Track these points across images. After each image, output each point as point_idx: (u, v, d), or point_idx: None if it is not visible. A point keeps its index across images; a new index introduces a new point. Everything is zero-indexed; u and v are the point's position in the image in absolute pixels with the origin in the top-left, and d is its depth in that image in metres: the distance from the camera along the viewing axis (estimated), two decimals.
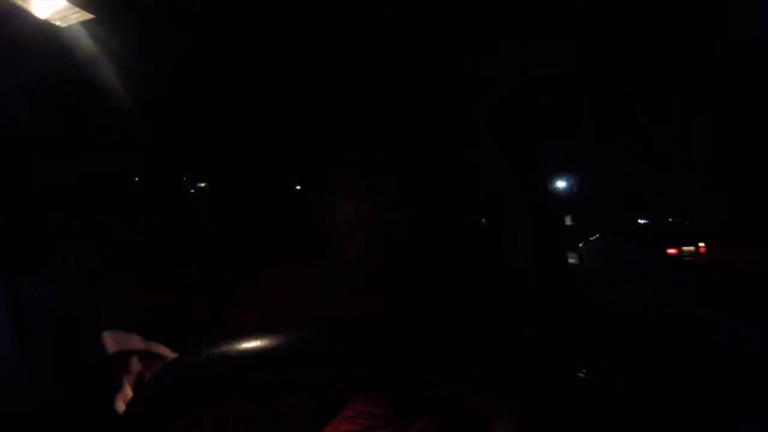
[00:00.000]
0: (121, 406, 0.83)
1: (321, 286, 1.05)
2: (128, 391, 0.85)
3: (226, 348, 0.45)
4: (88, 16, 1.02)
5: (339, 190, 1.05)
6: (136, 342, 0.89)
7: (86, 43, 1.08)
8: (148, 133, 1.52)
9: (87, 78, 1.15)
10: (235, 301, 1.07)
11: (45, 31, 1.03)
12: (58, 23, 1.03)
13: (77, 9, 0.99)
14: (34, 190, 1.55)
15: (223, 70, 1.32)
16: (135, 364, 0.87)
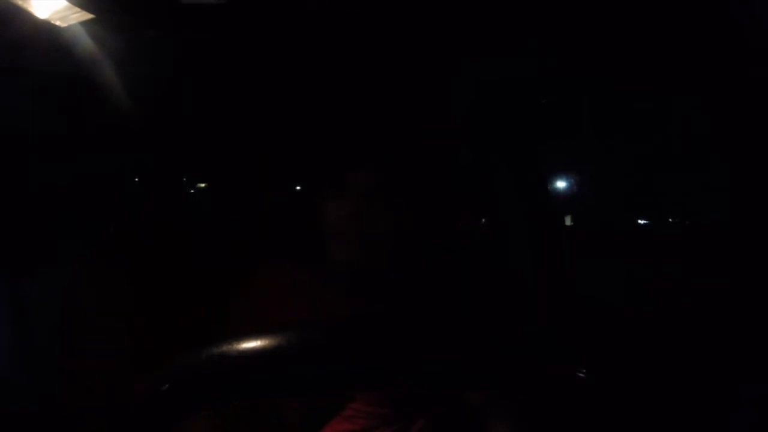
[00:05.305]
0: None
1: (321, 286, 1.05)
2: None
3: (226, 348, 0.45)
4: (88, 16, 1.01)
5: (339, 191, 1.05)
6: None
7: (86, 43, 1.07)
8: (148, 133, 1.52)
9: (87, 78, 1.15)
10: (235, 300, 1.07)
11: (45, 31, 1.03)
12: (58, 23, 1.03)
13: (77, 9, 0.99)
14: (34, 190, 1.55)
15: (223, 70, 1.32)
16: None
